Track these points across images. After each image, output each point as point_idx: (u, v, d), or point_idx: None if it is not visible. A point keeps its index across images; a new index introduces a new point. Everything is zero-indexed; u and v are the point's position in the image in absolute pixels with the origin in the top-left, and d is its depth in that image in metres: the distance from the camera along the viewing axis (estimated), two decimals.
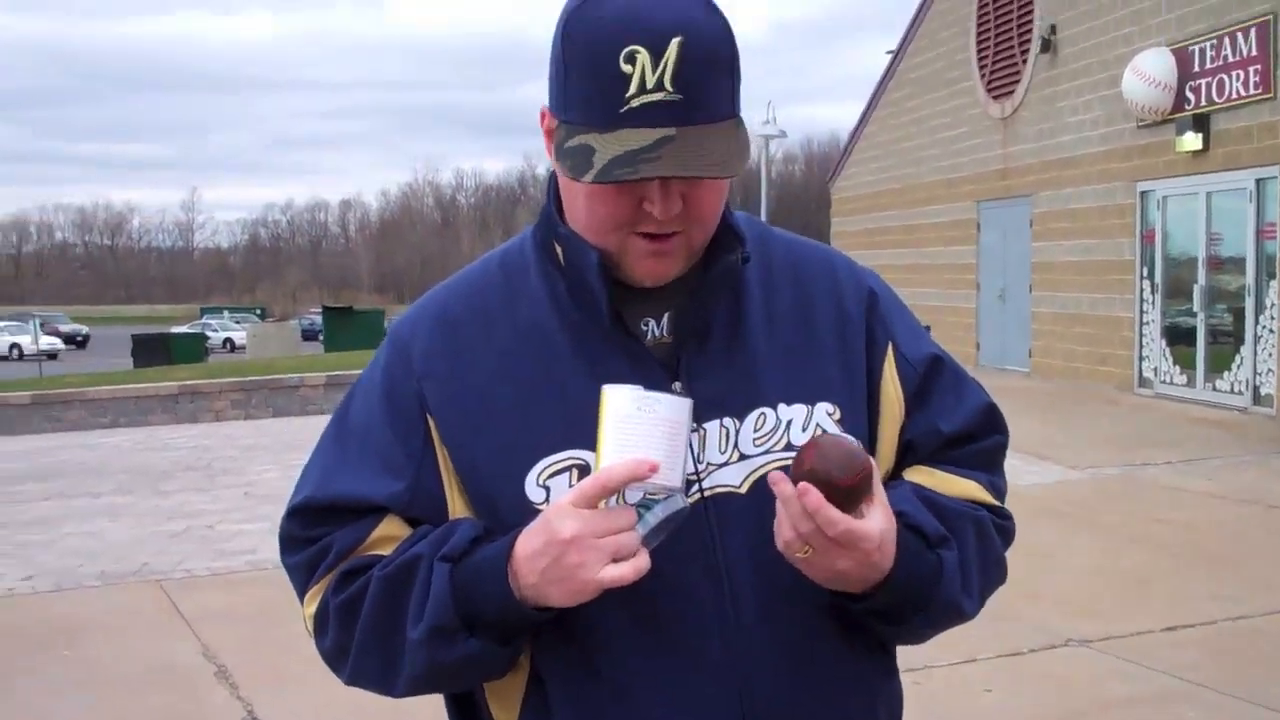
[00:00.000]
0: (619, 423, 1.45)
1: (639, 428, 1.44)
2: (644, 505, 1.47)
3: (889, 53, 25.21)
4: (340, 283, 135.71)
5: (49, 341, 56.54)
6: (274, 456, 13.48)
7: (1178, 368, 16.33)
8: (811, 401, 1.63)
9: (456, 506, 1.60)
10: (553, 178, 1.66)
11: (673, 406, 1.47)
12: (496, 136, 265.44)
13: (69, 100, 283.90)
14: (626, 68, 1.43)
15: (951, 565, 1.60)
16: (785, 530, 1.47)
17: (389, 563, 1.55)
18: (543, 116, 1.58)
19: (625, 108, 1.44)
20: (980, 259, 21.52)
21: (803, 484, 1.43)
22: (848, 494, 1.45)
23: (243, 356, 42.56)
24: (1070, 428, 13.50)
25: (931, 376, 1.73)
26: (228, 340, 63.47)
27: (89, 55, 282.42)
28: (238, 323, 70.52)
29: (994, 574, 1.71)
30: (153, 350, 37.43)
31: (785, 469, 1.51)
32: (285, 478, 11.76)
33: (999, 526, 1.72)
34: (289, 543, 1.66)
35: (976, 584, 1.66)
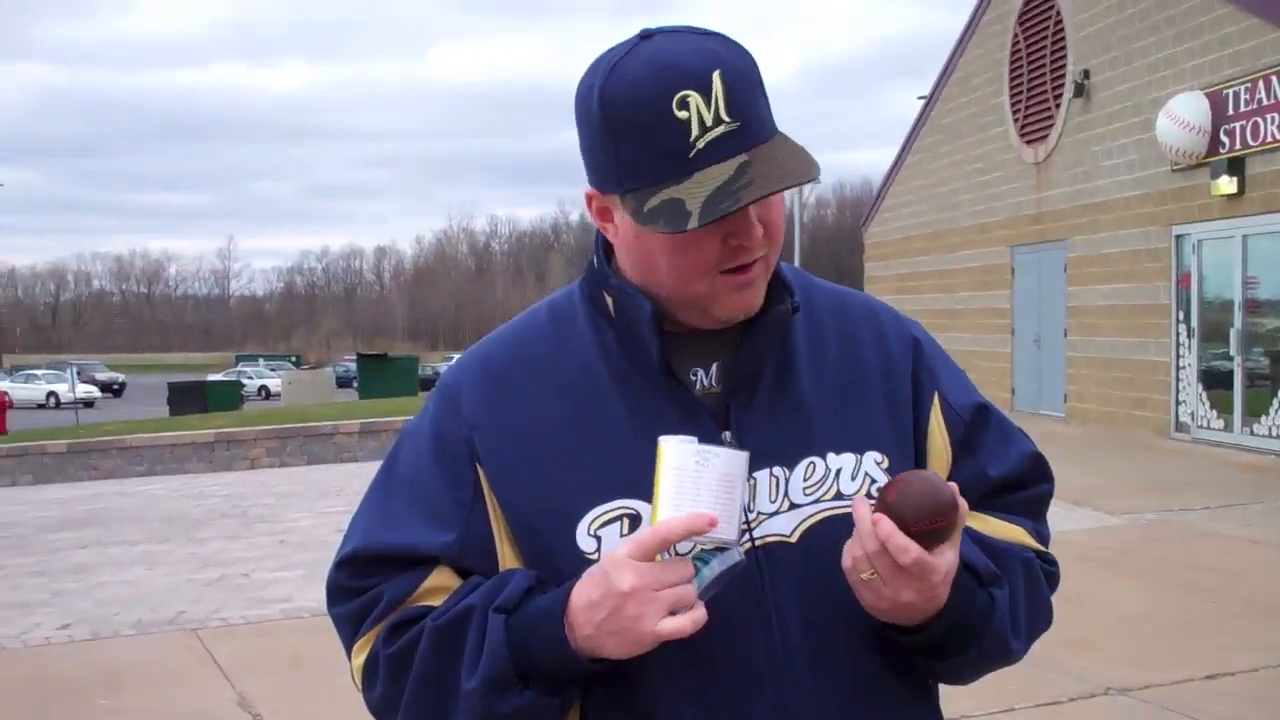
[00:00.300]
0: (677, 475, 1.45)
1: (697, 481, 1.45)
2: (699, 558, 1.47)
3: (921, 98, 25.26)
4: (375, 330, 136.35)
5: (86, 389, 56.95)
6: (309, 504, 13.52)
7: (1214, 412, 16.20)
8: (860, 450, 1.64)
9: (506, 556, 1.60)
10: (599, 235, 1.67)
11: (730, 460, 1.47)
12: (530, 183, 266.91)
13: (107, 150, 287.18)
14: (682, 114, 1.46)
15: (1003, 603, 1.61)
16: (855, 549, 1.49)
17: (441, 614, 1.55)
18: (589, 200, 1.61)
19: (694, 151, 1.46)
20: (1015, 303, 21.45)
21: (877, 514, 1.45)
22: (921, 535, 1.46)
23: (278, 404, 42.78)
24: (1107, 473, 13.40)
25: (978, 425, 1.75)
26: (263, 388, 63.80)
27: (128, 106, 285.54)
28: (273, 370, 70.96)
29: (1041, 616, 1.72)
30: (188, 398, 37.70)
31: (834, 518, 1.57)
32: (320, 525, 11.80)
33: (1046, 571, 1.73)
34: (337, 593, 1.66)
35: (1024, 624, 1.67)
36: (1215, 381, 16.20)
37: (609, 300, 1.64)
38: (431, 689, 1.55)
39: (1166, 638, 7.21)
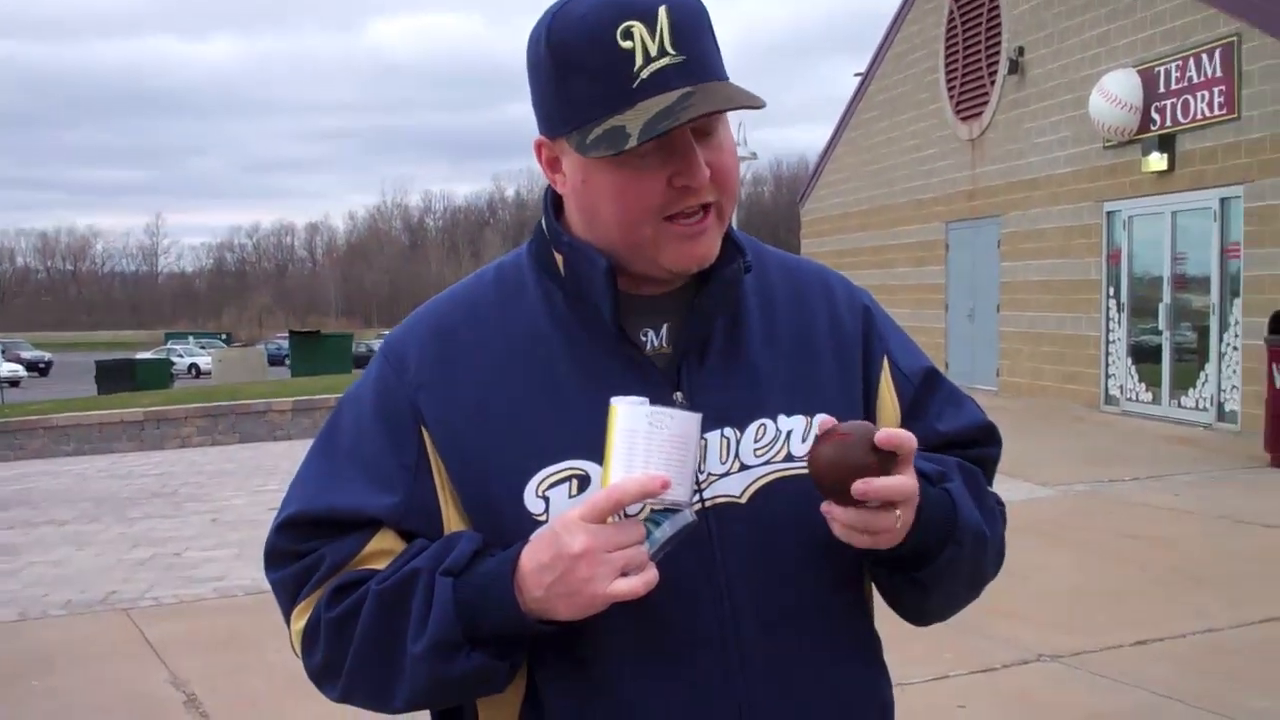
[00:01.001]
0: (629, 437, 1.44)
1: (650, 443, 1.43)
2: (650, 519, 1.46)
3: (857, 75, 25.36)
4: (307, 307, 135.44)
5: (11, 368, 56.21)
6: (241, 482, 13.41)
7: (1143, 385, 16.43)
8: (810, 413, 1.63)
9: (451, 519, 1.57)
10: (548, 193, 1.66)
11: (684, 422, 1.46)
12: (466, 159, 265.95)
13: (32, 124, 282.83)
14: (626, 44, 1.46)
15: (959, 493, 1.63)
16: (839, 528, 1.51)
17: (386, 577, 1.52)
18: (539, 149, 1.59)
19: (637, 81, 1.46)
20: (949, 279, 21.63)
21: (863, 481, 1.45)
22: (885, 464, 1.47)
23: (209, 382, 42.33)
24: (1038, 445, 13.53)
25: (928, 389, 1.76)
26: (193, 366, 63.12)
27: (53, 78, 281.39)
28: (203, 348, 70.25)
29: (999, 518, 1.74)
30: (117, 376, 37.18)
31: (785, 479, 1.58)
32: (253, 504, 11.70)
33: (999, 507, 1.77)
34: (276, 557, 1.62)
35: (988, 513, 1.69)
36: (1144, 355, 16.42)
37: (559, 259, 1.63)
38: (377, 653, 1.52)
39: (1097, 606, 7.31)
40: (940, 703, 5.65)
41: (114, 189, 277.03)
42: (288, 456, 15.40)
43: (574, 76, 1.49)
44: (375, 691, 1.56)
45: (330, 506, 1.58)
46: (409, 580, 1.50)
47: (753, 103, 1.49)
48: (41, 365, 68.16)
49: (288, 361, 47.74)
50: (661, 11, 1.46)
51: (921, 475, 1.56)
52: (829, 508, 1.49)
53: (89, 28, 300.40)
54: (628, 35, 1.45)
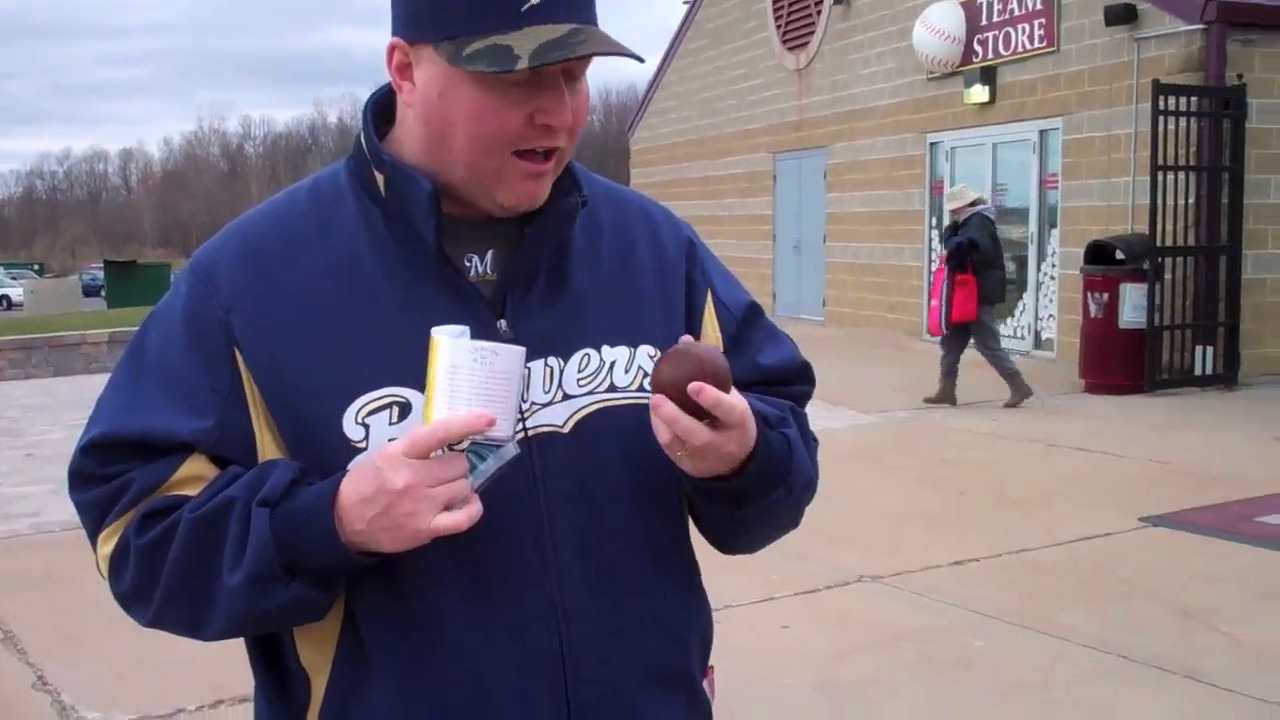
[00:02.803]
0: (452, 372, 1.41)
1: (474, 379, 1.41)
2: (474, 451, 1.44)
3: (685, 2, 25.34)
4: (123, 236, 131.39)
5: None
6: (56, 416, 13.00)
7: None
8: (634, 344, 1.63)
9: (266, 445, 1.53)
10: (368, 109, 1.62)
11: (509, 358, 1.44)
12: (286, 85, 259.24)
13: None
14: None
15: (795, 439, 1.64)
16: (663, 434, 1.48)
17: (199, 505, 1.48)
18: (391, 52, 1.54)
19: (527, 5, 1.43)
20: (776, 210, 21.87)
21: (696, 383, 1.44)
22: (725, 386, 1.47)
23: (21, 314, 40.92)
24: (862, 374, 13.82)
25: (749, 323, 1.77)
26: (3, 297, 60.90)
27: None
28: (14, 279, 67.73)
29: (815, 460, 1.75)
30: None
31: (608, 409, 1.58)
32: (70, 438, 11.33)
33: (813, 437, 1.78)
34: (81, 479, 1.57)
35: (810, 456, 1.71)
36: None
37: (379, 178, 1.58)
38: (189, 582, 1.48)
39: (916, 529, 7.51)
40: (765, 624, 5.77)
41: None
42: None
43: None
44: (188, 619, 1.53)
45: (140, 429, 1.52)
46: (224, 509, 1.46)
47: (637, 54, 1.48)
48: None
49: (103, 293, 46.31)
50: None
51: (760, 417, 1.57)
52: (660, 401, 1.47)
53: None
54: None
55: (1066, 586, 6.31)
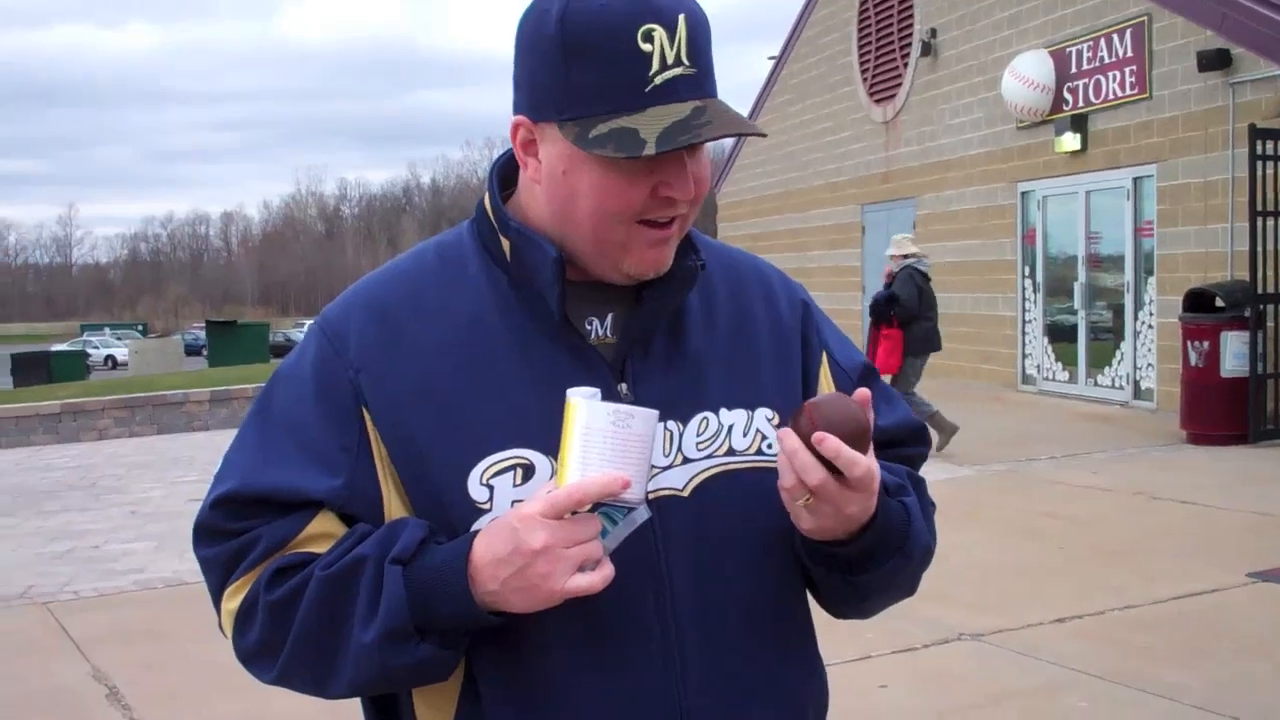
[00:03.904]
0: (588, 434, 1.42)
1: (611, 441, 1.42)
2: (604, 513, 1.46)
3: (771, 58, 25.42)
4: (223, 297, 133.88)
5: None
6: (159, 474, 13.22)
7: (1060, 364, 16.66)
8: (752, 406, 1.64)
9: (393, 503, 1.55)
10: (494, 174, 1.65)
11: (645, 421, 1.45)
12: (380, 146, 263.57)
13: None
14: (646, 46, 1.44)
15: (914, 508, 1.64)
16: (787, 480, 1.48)
17: (330, 563, 1.49)
18: (515, 130, 1.56)
19: (650, 86, 1.45)
20: (864, 261, 21.76)
21: (819, 433, 1.44)
22: (857, 442, 1.47)
23: (125, 373, 41.72)
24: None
25: (864, 385, 1.75)
26: (109, 357, 62.21)
27: None
28: (119, 339, 69.13)
29: (933, 526, 1.74)
30: (33, 369, 36.49)
31: (727, 473, 1.59)
32: (172, 495, 11.55)
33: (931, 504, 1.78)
34: (208, 534, 1.58)
35: (928, 523, 1.70)
36: (1060, 335, 16.65)
37: (505, 244, 1.60)
38: (320, 640, 1.50)
39: (1016, 584, 7.40)
40: (862, 682, 5.70)
41: (25, 180, 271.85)
42: (206, 447, 15.20)
43: (583, 66, 1.46)
44: (315, 677, 1.54)
45: (271, 486, 1.54)
46: (356, 567, 1.48)
47: (759, 131, 1.51)
48: None
49: (204, 352, 47.10)
50: (681, 20, 1.46)
51: (880, 484, 1.56)
52: (785, 434, 1.47)
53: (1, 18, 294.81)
54: (648, 38, 1.44)
55: (1172, 644, 6.17)
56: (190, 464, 13.85)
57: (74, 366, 38.82)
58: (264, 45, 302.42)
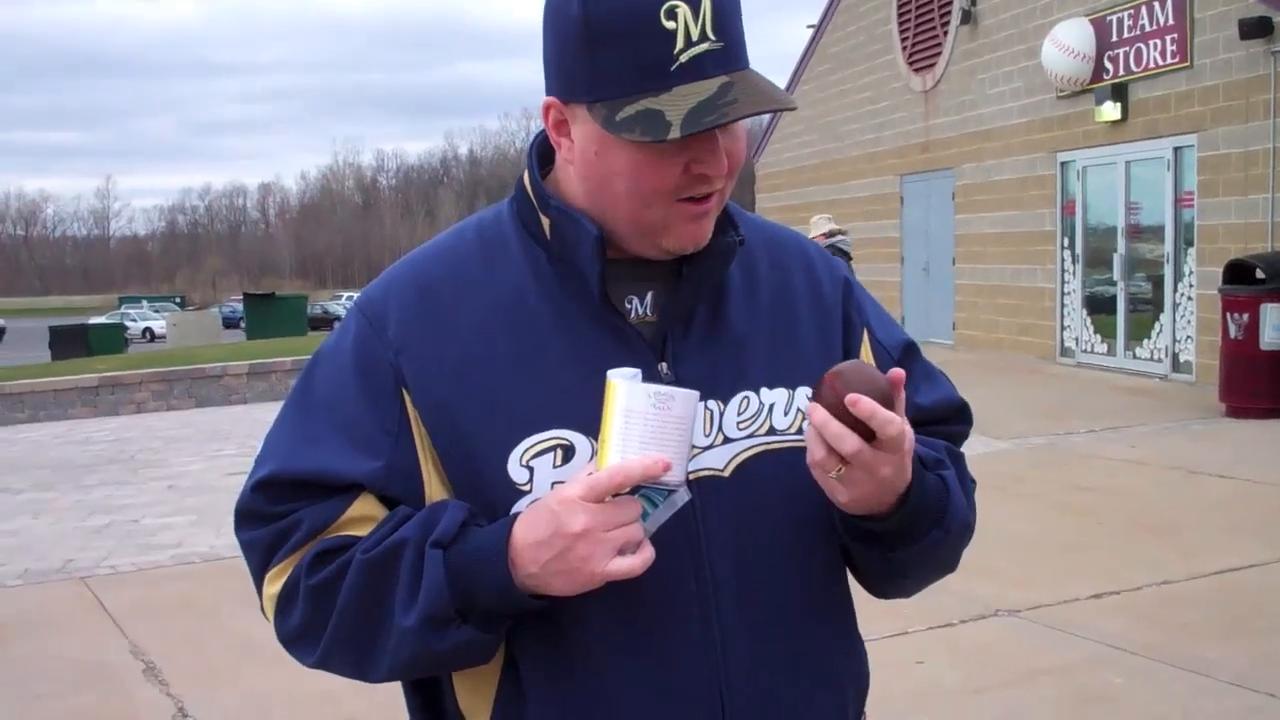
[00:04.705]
0: (629, 416, 1.41)
1: (651, 423, 1.41)
2: (645, 496, 1.45)
3: (810, 27, 25.29)
4: (261, 269, 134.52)
5: None
6: (198, 448, 13.31)
7: (1098, 337, 16.54)
8: (793, 386, 1.63)
9: (433, 485, 1.54)
10: (533, 152, 1.64)
11: (685, 403, 1.44)
12: (418, 118, 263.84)
13: None
14: (669, 24, 1.42)
15: (953, 481, 1.63)
16: (817, 452, 1.46)
17: (371, 546, 1.49)
18: (546, 111, 1.54)
19: (676, 64, 1.43)
20: (903, 232, 21.67)
21: (851, 395, 1.42)
22: (886, 404, 1.45)
23: (163, 346, 41.99)
24: (995, 399, 13.60)
25: (905, 362, 1.75)
26: (147, 330, 62.58)
27: (3, 40, 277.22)
28: (157, 312, 69.58)
29: (973, 502, 1.73)
30: (71, 342, 36.77)
31: (768, 452, 1.58)
32: (210, 469, 11.63)
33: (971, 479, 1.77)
34: (249, 517, 1.58)
35: (968, 498, 1.69)
36: (1099, 306, 16.52)
37: (545, 222, 1.59)
38: (361, 623, 1.50)
39: (1054, 559, 7.37)
40: (900, 659, 5.68)
41: (64, 151, 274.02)
42: (244, 420, 15.30)
43: (607, 47, 1.44)
44: (355, 660, 1.54)
45: (311, 469, 1.54)
46: (397, 550, 1.48)
47: (788, 105, 1.48)
48: None
49: (242, 324, 47.38)
50: None
51: (916, 458, 1.55)
52: (814, 409, 1.45)
53: None
54: (671, 15, 1.41)
55: (1210, 620, 6.13)
56: (228, 437, 13.93)
57: (112, 339, 39.13)
58: (305, 16, 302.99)
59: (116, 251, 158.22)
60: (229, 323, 58.74)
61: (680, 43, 1.42)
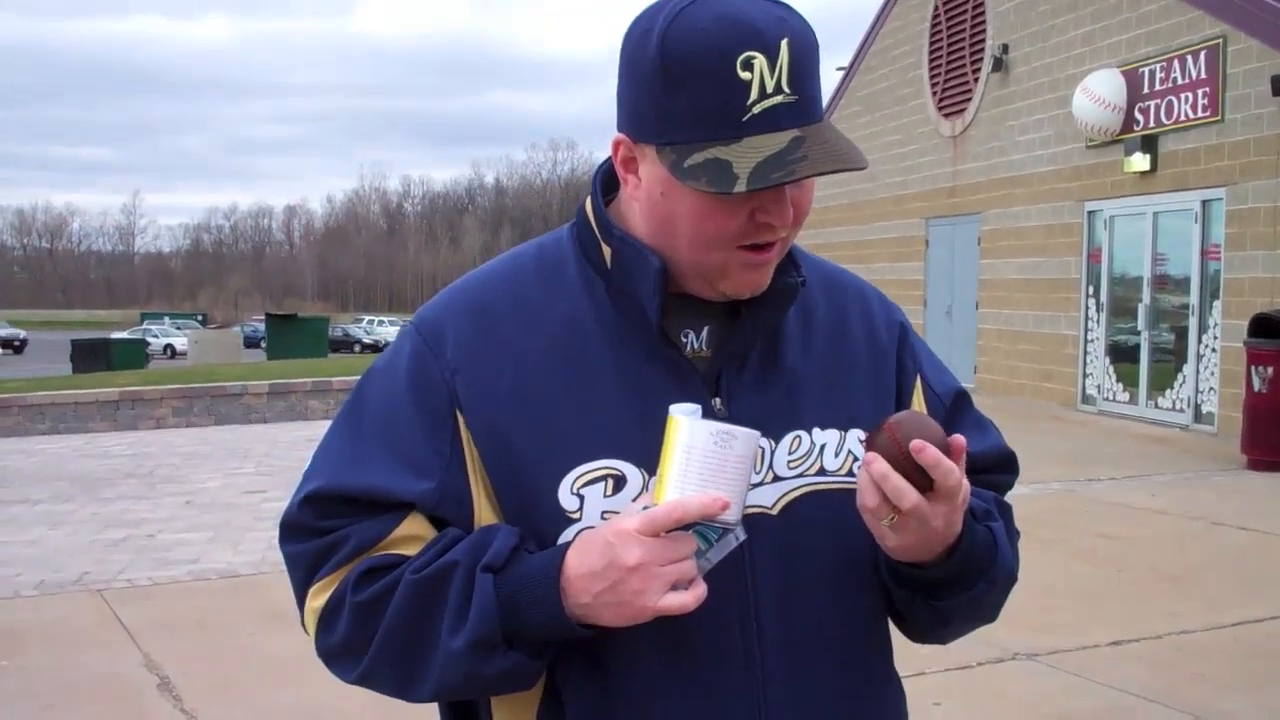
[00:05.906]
0: (690, 453, 1.40)
1: (711, 461, 1.40)
2: (700, 533, 1.44)
3: (840, 69, 25.34)
4: (283, 290, 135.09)
5: None
6: (216, 465, 13.33)
7: (1120, 385, 16.49)
8: (845, 427, 1.62)
9: (483, 508, 1.54)
10: (597, 180, 1.63)
11: (747, 443, 1.43)
12: (445, 145, 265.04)
13: (9, 99, 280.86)
14: (744, 74, 1.40)
15: (1000, 534, 1.63)
16: (870, 500, 1.45)
17: (421, 567, 1.48)
18: (616, 146, 1.53)
19: (748, 115, 1.41)
20: (928, 275, 21.65)
21: (917, 441, 1.41)
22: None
23: (184, 363, 42.12)
24: (1015, 444, 13.26)
25: (957, 409, 1.77)
26: (169, 346, 62.85)
27: (37, 55, 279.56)
28: (179, 329, 69.90)
29: (1017, 553, 1.73)
30: (92, 356, 36.92)
31: (817, 493, 1.57)
32: (228, 486, 11.65)
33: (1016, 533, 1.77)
34: (296, 530, 1.58)
35: (1014, 551, 1.69)
36: (1122, 355, 16.47)
37: (607, 251, 1.58)
38: (407, 643, 1.49)
39: (1073, 605, 7.32)
40: (917, 701, 5.63)
41: (92, 167, 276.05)
42: (263, 439, 15.33)
43: (681, 90, 1.43)
44: (398, 679, 1.53)
45: (362, 486, 1.53)
46: (446, 572, 1.47)
47: (860, 163, 1.45)
48: (16, 343, 67.78)
49: (264, 344, 47.51)
50: (784, 45, 1.41)
51: (968, 510, 1.54)
52: (873, 458, 1.44)
53: (78, 7, 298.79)
54: (747, 66, 1.40)
55: (1229, 671, 6.08)
56: (247, 455, 13.96)
57: (133, 355, 39.25)
58: (338, 41, 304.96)
59: (141, 267, 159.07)
60: (250, 342, 58.87)
61: (754, 94, 1.41)
